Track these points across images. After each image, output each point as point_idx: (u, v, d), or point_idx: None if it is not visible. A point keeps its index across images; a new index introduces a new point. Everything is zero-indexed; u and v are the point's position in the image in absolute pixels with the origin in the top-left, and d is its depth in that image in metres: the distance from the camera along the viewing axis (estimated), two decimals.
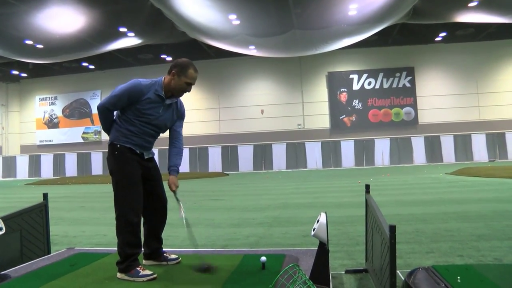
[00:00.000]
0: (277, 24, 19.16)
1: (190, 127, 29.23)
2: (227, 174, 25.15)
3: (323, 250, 2.92)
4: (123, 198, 3.47)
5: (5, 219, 3.73)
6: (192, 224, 6.85)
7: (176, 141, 3.79)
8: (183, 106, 3.85)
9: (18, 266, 3.86)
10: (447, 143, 27.63)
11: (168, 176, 3.70)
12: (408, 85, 28.24)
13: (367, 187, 3.79)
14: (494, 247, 4.52)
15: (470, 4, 18.40)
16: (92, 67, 29.69)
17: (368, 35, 21.96)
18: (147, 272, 3.36)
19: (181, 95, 3.68)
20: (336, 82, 28.58)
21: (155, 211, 3.76)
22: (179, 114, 3.80)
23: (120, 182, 3.49)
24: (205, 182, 18.60)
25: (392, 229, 2.45)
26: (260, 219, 7.13)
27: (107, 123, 3.60)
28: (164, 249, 3.89)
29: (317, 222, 2.92)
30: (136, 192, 3.50)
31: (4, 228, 3.54)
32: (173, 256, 3.83)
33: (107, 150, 3.61)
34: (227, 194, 12.46)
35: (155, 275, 3.34)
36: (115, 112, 3.59)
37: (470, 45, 27.66)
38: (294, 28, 19.51)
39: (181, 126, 3.84)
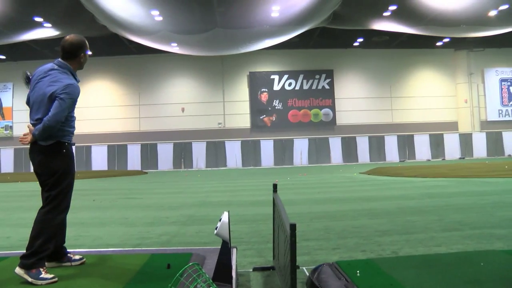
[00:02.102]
0: (200, 21, 19.06)
1: (109, 123, 28.31)
2: (146, 173, 24.66)
3: (225, 249, 2.93)
4: (67, 197, 3.45)
5: None
6: (105, 224, 6.65)
7: None
8: None
9: None
10: (362, 144, 28.96)
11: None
12: (327, 87, 29.22)
13: (275, 186, 3.86)
14: (393, 241, 4.80)
15: (385, 14, 19.50)
16: (2, 57, 27.79)
17: (289, 37, 22.47)
18: (48, 275, 3.19)
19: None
20: (257, 82, 28.94)
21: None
22: None
23: (70, 182, 3.46)
24: (122, 181, 18.10)
25: (292, 227, 2.51)
26: (175, 218, 7.04)
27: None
28: (68, 250, 3.72)
29: (220, 221, 2.92)
30: (72, 189, 3.53)
31: None
32: (77, 257, 3.68)
33: (19, 147, 3.47)
34: (143, 193, 12.22)
35: (56, 279, 3.18)
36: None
37: (385, 52, 29.22)
38: (217, 26, 19.51)
39: None
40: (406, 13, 19.41)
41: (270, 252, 4.42)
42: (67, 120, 3.44)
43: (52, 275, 3.20)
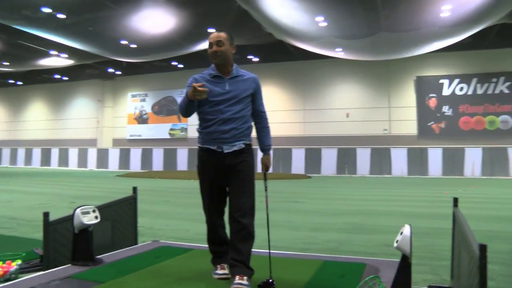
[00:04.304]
0: (364, 26, 18.78)
1: (274, 127, 28.98)
2: (310, 177, 25.06)
3: (405, 264, 2.83)
4: (203, 196, 3.68)
5: (100, 208, 4.04)
6: (271, 225, 6.94)
7: (261, 120, 3.77)
8: (253, 81, 3.62)
9: (109, 253, 4.17)
10: None
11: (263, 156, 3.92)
12: (506, 91, 26.40)
13: (455, 200, 3.61)
14: None
15: None
16: (181, 66, 30.76)
17: (462, 37, 20.85)
18: (221, 271, 3.50)
19: (217, 59, 3.48)
20: (425, 87, 27.43)
21: (231, 218, 3.52)
22: (251, 87, 3.58)
23: (201, 184, 3.68)
24: (287, 184, 18.63)
25: (483, 248, 2.32)
26: (340, 225, 7.03)
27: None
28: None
29: (401, 234, 2.84)
30: (207, 195, 3.63)
31: (99, 217, 3.87)
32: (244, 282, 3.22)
33: (192, 147, 3.82)
34: (308, 197, 12.36)
35: (227, 276, 3.42)
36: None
37: None
38: (382, 30, 19.01)
39: (262, 104, 3.70)
40: None
41: (445, 270, 4.16)
42: (199, 120, 3.58)
43: (224, 271, 3.48)
